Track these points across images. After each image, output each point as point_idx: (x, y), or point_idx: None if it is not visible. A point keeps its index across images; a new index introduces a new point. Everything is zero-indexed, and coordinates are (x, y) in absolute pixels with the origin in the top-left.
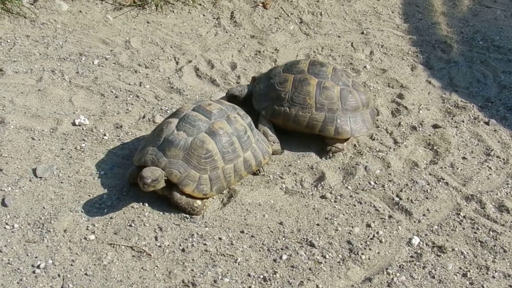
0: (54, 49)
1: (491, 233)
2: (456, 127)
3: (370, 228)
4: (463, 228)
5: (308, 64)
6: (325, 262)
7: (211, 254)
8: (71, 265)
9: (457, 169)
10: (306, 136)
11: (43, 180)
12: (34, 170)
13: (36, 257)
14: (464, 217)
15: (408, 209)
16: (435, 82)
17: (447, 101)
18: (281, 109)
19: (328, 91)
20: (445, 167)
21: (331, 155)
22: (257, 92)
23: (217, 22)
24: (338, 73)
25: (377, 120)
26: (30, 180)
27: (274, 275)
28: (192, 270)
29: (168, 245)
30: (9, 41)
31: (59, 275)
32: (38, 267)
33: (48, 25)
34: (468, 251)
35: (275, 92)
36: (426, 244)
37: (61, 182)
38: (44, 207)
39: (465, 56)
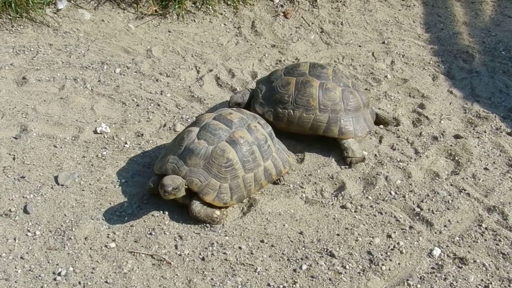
0: (76, 58)
1: None
2: (478, 137)
3: (390, 239)
4: (485, 240)
5: (308, 67)
6: (345, 272)
7: (231, 263)
8: (92, 272)
9: (479, 180)
10: (327, 145)
11: (64, 187)
12: (56, 178)
13: (57, 264)
14: (486, 228)
15: (429, 220)
16: (456, 92)
17: (468, 111)
18: (285, 111)
19: (330, 93)
20: (467, 178)
21: (352, 166)
22: (259, 96)
23: (238, 31)
24: (338, 75)
25: (398, 130)
26: (52, 188)
27: (294, 285)
28: (212, 279)
29: (188, 253)
30: (32, 49)
31: (79, 283)
32: (59, 274)
33: (71, 33)
34: (490, 263)
35: (278, 95)
36: (447, 255)
37: (83, 190)
38: (65, 215)
39: (487, 66)
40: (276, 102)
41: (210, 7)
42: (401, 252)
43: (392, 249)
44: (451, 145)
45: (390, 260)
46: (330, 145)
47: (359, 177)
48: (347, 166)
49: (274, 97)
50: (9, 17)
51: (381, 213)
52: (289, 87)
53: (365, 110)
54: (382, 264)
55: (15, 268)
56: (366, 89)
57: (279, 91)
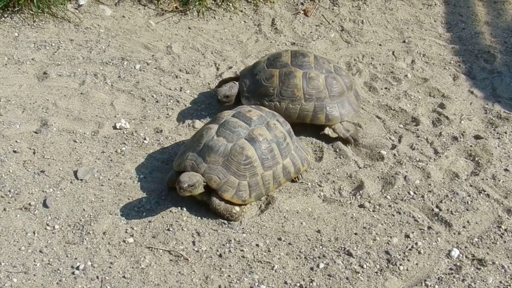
0: (97, 53)
1: None
2: (499, 138)
3: (408, 239)
4: (504, 241)
5: (290, 56)
6: (362, 272)
7: (248, 261)
8: (110, 267)
9: (499, 181)
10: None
11: (83, 182)
12: (75, 172)
13: (75, 259)
14: (505, 230)
15: (448, 221)
16: (477, 92)
17: (489, 111)
18: (271, 104)
19: (314, 81)
20: (487, 179)
21: (353, 143)
22: (244, 90)
23: (258, 28)
24: (320, 61)
25: (418, 130)
26: (71, 182)
27: (311, 284)
28: (229, 276)
29: (206, 250)
30: (53, 44)
31: (97, 277)
32: (77, 268)
33: (92, 29)
34: (509, 264)
35: (263, 88)
36: (466, 256)
37: (101, 185)
38: (84, 209)
39: (508, 66)
40: (261, 96)
41: (231, 4)
42: (419, 253)
43: (410, 249)
44: (471, 146)
45: (408, 260)
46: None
47: (378, 176)
48: (351, 145)
49: (259, 91)
50: (31, 12)
51: (400, 213)
52: (273, 80)
53: (349, 93)
54: (400, 264)
55: (34, 261)
56: (385, 88)
57: (264, 84)
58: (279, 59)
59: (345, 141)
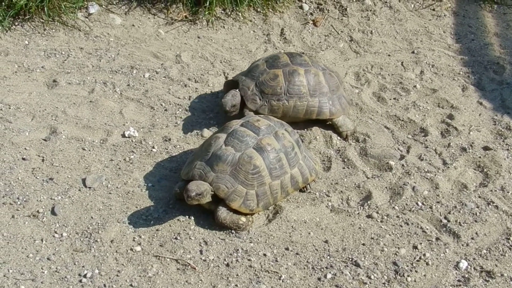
0: (106, 62)
1: None
2: (508, 149)
3: (416, 250)
4: None
5: (288, 57)
6: (370, 282)
7: (255, 270)
8: (117, 275)
9: (508, 192)
10: (353, 155)
11: (92, 190)
12: (83, 180)
13: (83, 266)
14: None
15: (456, 232)
16: (486, 103)
17: (498, 123)
18: (279, 103)
19: (316, 77)
20: (495, 190)
21: (350, 139)
22: (248, 94)
23: (267, 38)
24: (313, 60)
25: (426, 140)
26: (79, 190)
27: None
28: (236, 285)
29: (213, 259)
30: (63, 52)
31: (104, 285)
32: (84, 276)
33: (102, 38)
34: None
35: (270, 89)
36: (474, 268)
37: (110, 193)
38: (92, 217)
39: None
40: (268, 96)
41: (240, 14)
42: (427, 264)
43: (418, 261)
44: (479, 157)
45: (416, 271)
46: (357, 153)
47: (386, 187)
48: (344, 140)
49: (266, 91)
50: (42, 20)
51: (408, 224)
52: (278, 79)
53: (342, 88)
54: (408, 275)
55: (42, 268)
56: (394, 98)
57: (270, 85)
58: (278, 60)
59: (340, 134)
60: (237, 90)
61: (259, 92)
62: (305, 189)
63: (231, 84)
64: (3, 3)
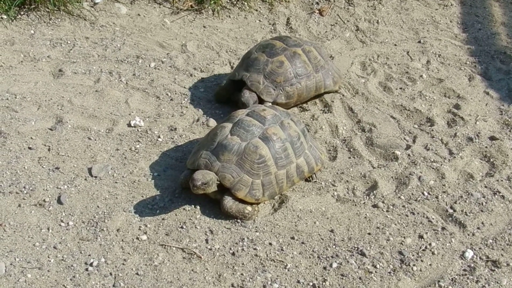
0: (112, 51)
1: None
2: None
3: (422, 240)
4: None
5: (281, 42)
6: (375, 272)
7: (261, 259)
8: (123, 264)
9: None
10: (359, 144)
11: (98, 179)
12: (89, 170)
13: (89, 255)
14: None
15: (462, 222)
16: (493, 93)
17: (505, 112)
18: (293, 87)
19: (312, 53)
20: (502, 180)
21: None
22: (261, 88)
23: (272, 28)
24: (301, 38)
25: (432, 130)
26: (85, 179)
27: (324, 283)
28: (242, 274)
29: (219, 248)
30: (69, 42)
31: (111, 274)
32: (91, 264)
33: (107, 27)
34: None
35: (281, 76)
36: (480, 258)
37: (116, 182)
38: (98, 206)
39: None
40: (281, 84)
41: (246, 3)
42: (433, 253)
43: (423, 250)
44: (486, 147)
45: (422, 260)
46: (363, 143)
47: (392, 177)
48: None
49: (278, 80)
50: (47, 10)
51: (413, 213)
52: (285, 65)
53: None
54: (413, 265)
55: (48, 257)
56: (400, 88)
57: (280, 72)
58: (274, 48)
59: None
60: (245, 88)
61: (271, 83)
62: (311, 178)
63: (232, 85)
64: None
